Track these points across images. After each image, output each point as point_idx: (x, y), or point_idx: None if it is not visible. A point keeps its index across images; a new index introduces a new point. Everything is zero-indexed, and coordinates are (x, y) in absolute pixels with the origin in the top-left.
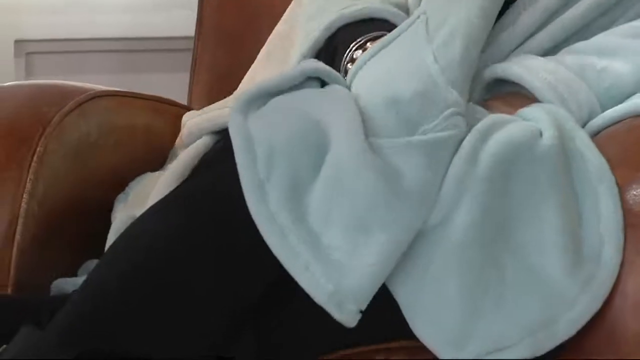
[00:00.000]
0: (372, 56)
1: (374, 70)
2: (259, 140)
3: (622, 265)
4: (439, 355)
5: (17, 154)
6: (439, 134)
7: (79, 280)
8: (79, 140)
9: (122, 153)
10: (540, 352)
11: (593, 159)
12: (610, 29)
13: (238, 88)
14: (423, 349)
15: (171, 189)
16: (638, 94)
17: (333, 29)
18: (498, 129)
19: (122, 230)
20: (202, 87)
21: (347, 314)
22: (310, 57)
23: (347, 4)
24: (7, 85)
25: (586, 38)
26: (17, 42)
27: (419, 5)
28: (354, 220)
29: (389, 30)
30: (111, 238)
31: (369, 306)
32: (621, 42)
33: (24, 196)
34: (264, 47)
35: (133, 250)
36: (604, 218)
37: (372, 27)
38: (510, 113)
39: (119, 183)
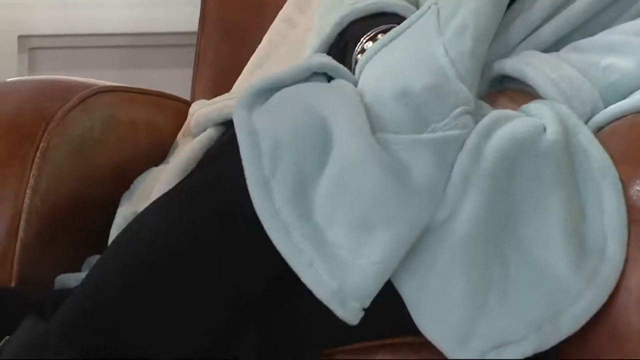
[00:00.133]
0: (383, 47)
1: (384, 61)
2: (264, 135)
3: (626, 260)
4: (444, 351)
5: (20, 150)
6: (449, 133)
7: (82, 275)
8: (82, 135)
9: (125, 149)
10: (544, 347)
11: (596, 155)
12: (614, 27)
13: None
14: (427, 345)
15: (174, 183)
16: None
17: (344, 24)
18: (502, 124)
19: (124, 226)
20: (205, 82)
21: (350, 312)
22: (322, 52)
23: None
24: (10, 81)
25: (588, 34)
26: (20, 37)
27: None
28: (359, 217)
29: (400, 23)
30: (114, 233)
31: (374, 302)
32: (626, 40)
33: (27, 192)
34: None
35: (135, 245)
36: (608, 214)
37: (383, 20)
38: (514, 109)
39: (122, 179)
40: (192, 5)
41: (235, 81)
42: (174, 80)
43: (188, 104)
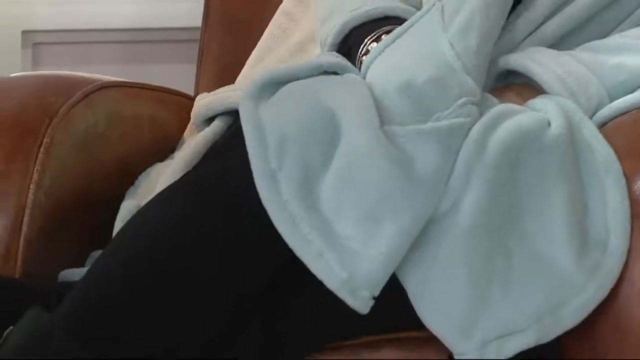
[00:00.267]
0: (387, 46)
1: (389, 59)
2: (270, 129)
3: (629, 254)
4: (447, 342)
5: (24, 145)
6: (452, 121)
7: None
8: (86, 131)
9: (129, 144)
10: (546, 338)
11: (601, 150)
12: (625, 32)
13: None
14: (431, 339)
15: (179, 177)
16: None
17: (346, 30)
18: (507, 118)
19: (128, 219)
20: (209, 77)
21: (361, 301)
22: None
23: (358, 5)
24: (14, 76)
25: (593, 31)
26: (24, 32)
27: None
28: (367, 208)
29: None
30: (118, 227)
31: (379, 296)
32: (636, 43)
33: (31, 187)
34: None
35: (139, 238)
36: (611, 208)
37: (386, 23)
38: (520, 103)
39: (126, 174)
40: (196, 1)
41: (238, 76)
42: (178, 75)
43: (192, 99)
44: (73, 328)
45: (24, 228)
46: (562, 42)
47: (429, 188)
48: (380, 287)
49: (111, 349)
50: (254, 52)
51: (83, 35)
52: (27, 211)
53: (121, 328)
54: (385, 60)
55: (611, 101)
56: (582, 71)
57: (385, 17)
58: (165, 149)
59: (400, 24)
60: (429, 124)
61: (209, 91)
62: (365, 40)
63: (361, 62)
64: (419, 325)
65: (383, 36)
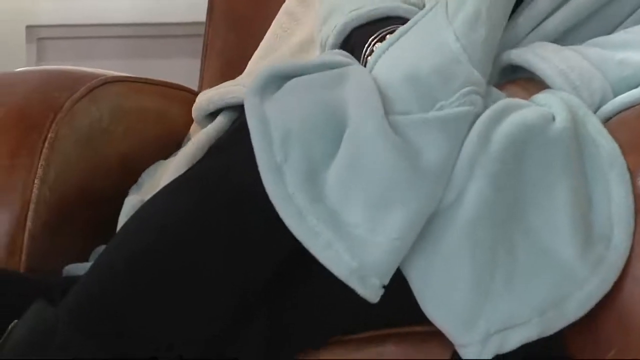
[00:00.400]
0: (391, 45)
1: (394, 55)
2: (275, 123)
3: (632, 249)
4: (450, 335)
5: (28, 140)
6: (455, 110)
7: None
8: (90, 126)
9: (133, 139)
10: (549, 331)
11: (605, 145)
12: (630, 28)
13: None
14: (436, 334)
15: (182, 172)
16: None
17: (347, 31)
18: (512, 111)
19: (132, 214)
20: (213, 72)
21: (371, 289)
22: None
23: (359, 5)
24: (18, 71)
25: (596, 26)
26: (28, 27)
27: None
28: (374, 196)
29: None
30: (122, 221)
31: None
32: None
33: (35, 182)
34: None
35: (143, 232)
36: (615, 203)
37: (388, 23)
38: (525, 97)
39: (130, 169)
40: None
41: (242, 71)
42: (182, 70)
43: (195, 94)
44: (77, 322)
45: (29, 223)
46: (564, 37)
47: (434, 179)
48: (390, 275)
49: (115, 343)
50: (256, 52)
51: (87, 30)
52: (32, 206)
53: (125, 322)
54: (390, 56)
55: (616, 96)
56: (586, 66)
57: (387, 17)
58: (170, 144)
59: (402, 24)
60: (432, 113)
61: (213, 86)
62: (369, 40)
63: (366, 63)
64: (423, 319)
65: (387, 36)
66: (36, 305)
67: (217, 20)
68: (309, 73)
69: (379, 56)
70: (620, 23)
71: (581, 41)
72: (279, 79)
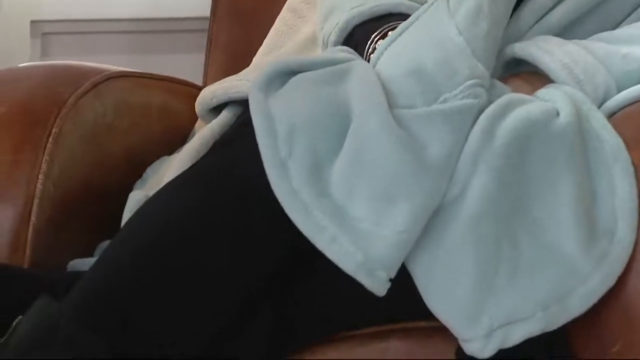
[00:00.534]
0: (393, 40)
1: (396, 50)
2: (279, 119)
3: (636, 243)
4: (454, 329)
5: (33, 135)
6: (458, 102)
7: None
8: (95, 121)
9: (137, 134)
10: (553, 326)
11: (609, 139)
12: (635, 23)
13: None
14: (440, 330)
15: (187, 167)
16: None
17: (349, 28)
18: (516, 106)
19: (136, 209)
20: (217, 67)
21: (378, 282)
22: None
23: (360, 2)
24: (22, 66)
25: (599, 19)
26: (33, 22)
27: None
28: (379, 190)
29: None
30: (126, 217)
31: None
32: None
33: (40, 177)
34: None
35: (147, 228)
36: (619, 197)
37: (390, 20)
38: (529, 91)
39: (134, 165)
40: None
41: (247, 66)
42: (186, 65)
43: (200, 89)
44: (82, 317)
45: (33, 218)
46: (567, 31)
47: (439, 172)
48: (396, 268)
49: (119, 338)
50: (260, 49)
51: (92, 25)
52: (36, 201)
53: (129, 317)
54: (392, 52)
55: (620, 91)
56: (590, 60)
57: (389, 14)
58: (175, 140)
59: (404, 20)
60: (436, 106)
61: (217, 81)
62: (372, 37)
63: (369, 60)
64: (427, 315)
65: (389, 33)
66: (40, 301)
67: (222, 15)
68: (313, 69)
69: (382, 53)
70: (624, 19)
71: (584, 36)
72: (283, 75)
